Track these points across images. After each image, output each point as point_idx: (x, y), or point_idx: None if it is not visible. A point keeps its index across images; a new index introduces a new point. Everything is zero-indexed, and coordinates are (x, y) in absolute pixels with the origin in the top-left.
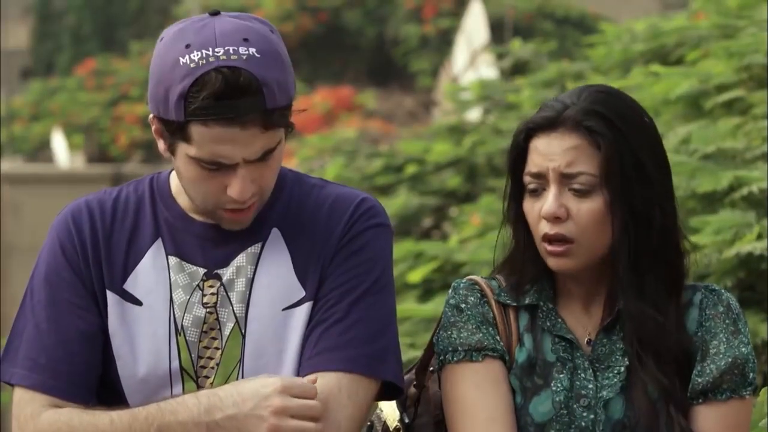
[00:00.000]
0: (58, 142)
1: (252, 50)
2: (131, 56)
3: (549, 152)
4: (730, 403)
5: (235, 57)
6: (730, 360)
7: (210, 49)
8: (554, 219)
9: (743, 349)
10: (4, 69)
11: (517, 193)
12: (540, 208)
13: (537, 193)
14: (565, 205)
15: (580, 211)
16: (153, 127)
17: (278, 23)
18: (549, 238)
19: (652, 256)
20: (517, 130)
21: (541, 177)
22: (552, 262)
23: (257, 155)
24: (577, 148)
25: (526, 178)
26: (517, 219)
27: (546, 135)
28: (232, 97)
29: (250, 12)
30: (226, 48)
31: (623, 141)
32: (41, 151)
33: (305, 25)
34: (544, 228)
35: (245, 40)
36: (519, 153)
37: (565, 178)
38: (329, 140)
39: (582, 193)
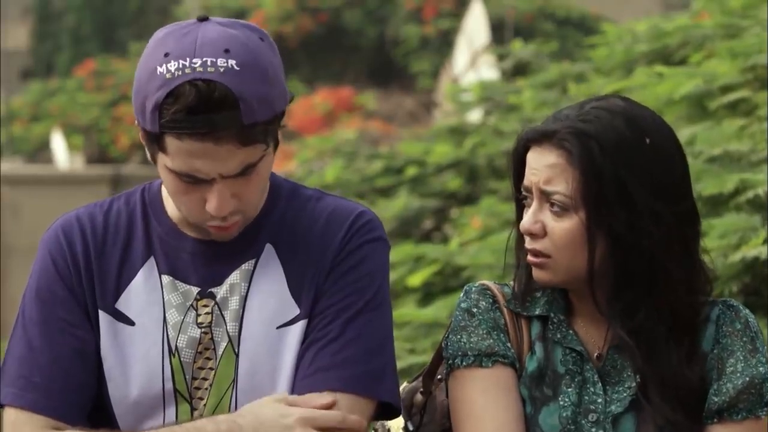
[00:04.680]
0: (58, 143)
1: (231, 62)
2: (131, 57)
3: (534, 167)
4: (745, 423)
5: (212, 69)
6: (747, 380)
7: (187, 59)
8: (530, 234)
9: (761, 369)
10: (4, 69)
11: (519, 202)
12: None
13: (527, 204)
14: (542, 222)
15: (555, 230)
16: (139, 133)
17: (278, 24)
18: (528, 251)
19: (643, 288)
20: (516, 141)
21: (528, 190)
22: (533, 273)
23: (235, 171)
24: (555, 166)
25: (521, 189)
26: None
27: (536, 148)
28: (206, 111)
29: (250, 12)
30: (203, 59)
31: (605, 164)
32: (41, 152)
33: (305, 25)
34: (527, 240)
35: (226, 51)
36: (517, 163)
37: (544, 195)
38: (329, 141)
39: (559, 212)
